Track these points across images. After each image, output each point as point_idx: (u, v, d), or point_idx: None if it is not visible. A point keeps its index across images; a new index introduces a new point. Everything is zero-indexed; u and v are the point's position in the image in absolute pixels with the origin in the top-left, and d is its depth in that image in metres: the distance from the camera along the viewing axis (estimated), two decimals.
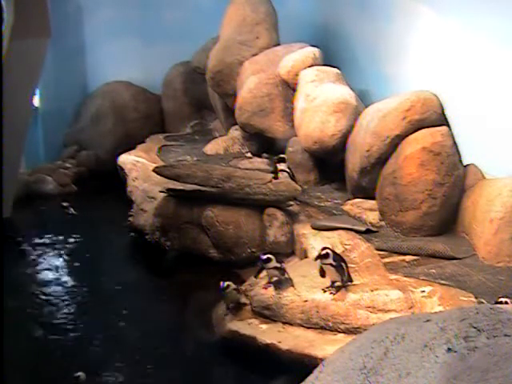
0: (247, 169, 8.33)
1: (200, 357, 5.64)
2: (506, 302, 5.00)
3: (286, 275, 5.85)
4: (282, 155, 7.99)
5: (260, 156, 9.17)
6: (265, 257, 5.85)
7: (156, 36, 10.94)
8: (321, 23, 10.61)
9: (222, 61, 9.38)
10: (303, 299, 5.58)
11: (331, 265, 5.52)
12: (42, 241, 8.07)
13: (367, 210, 7.19)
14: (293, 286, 5.74)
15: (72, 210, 7.57)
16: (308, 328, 5.50)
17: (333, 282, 5.60)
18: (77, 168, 10.36)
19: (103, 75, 10.98)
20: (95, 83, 11.08)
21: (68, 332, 5.99)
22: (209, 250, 7.22)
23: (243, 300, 5.94)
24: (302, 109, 8.19)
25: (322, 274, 5.61)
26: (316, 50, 8.71)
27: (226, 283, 5.84)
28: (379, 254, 6.35)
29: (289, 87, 8.71)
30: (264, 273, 5.92)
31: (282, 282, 5.78)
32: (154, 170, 7.69)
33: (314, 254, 6.51)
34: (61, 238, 8.18)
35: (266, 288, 5.80)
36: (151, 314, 6.43)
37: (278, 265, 5.84)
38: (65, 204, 7.78)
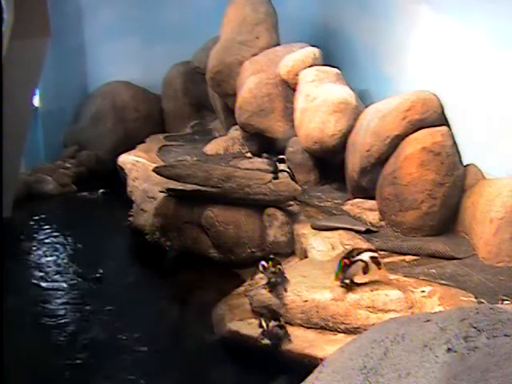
0: (247, 169, 8.32)
1: (200, 357, 5.63)
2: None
3: (283, 277, 5.86)
4: (282, 156, 7.99)
5: (260, 156, 9.16)
6: (265, 264, 5.84)
7: (156, 36, 10.95)
8: (321, 23, 10.61)
9: (221, 61, 9.39)
10: (303, 299, 5.57)
11: (361, 260, 5.51)
12: (41, 241, 8.09)
13: (367, 210, 7.19)
14: (285, 289, 5.72)
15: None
16: (308, 328, 5.49)
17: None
18: (77, 168, 10.37)
19: (103, 75, 10.99)
20: (95, 83, 11.09)
21: (62, 333, 5.99)
22: (209, 249, 7.23)
23: (285, 335, 5.43)
24: (302, 109, 8.19)
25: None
26: (316, 50, 8.71)
27: (269, 324, 5.38)
28: (379, 254, 6.34)
29: (289, 87, 8.70)
30: (261, 274, 5.93)
31: (278, 284, 5.78)
32: (153, 170, 7.69)
33: (314, 253, 6.54)
34: (60, 238, 8.20)
35: (266, 288, 5.80)
36: (151, 314, 6.43)
37: (273, 269, 5.83)
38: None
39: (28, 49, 7.50)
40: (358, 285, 5.55)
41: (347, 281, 5.53)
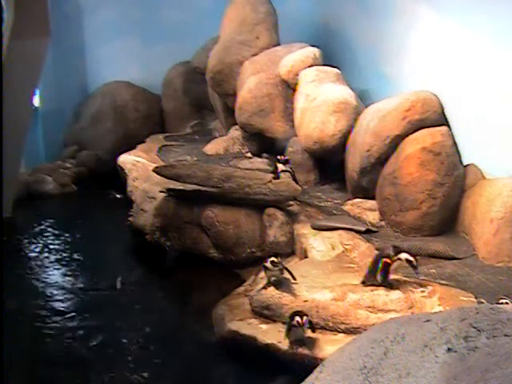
0: (247, 169, 8.33)
1: (200, 357, 5.63)
2: (507, 303, 5.01)
3: (284, 274, 5.84)
4: (281, 156, 7.97)
5: (260, 156, 9.16)
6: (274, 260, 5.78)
7: (156, 36, 10.96)
8: (321, 23, 10.61)
9: (222, 61, 9.39)
10: (303, 299, 5.57)
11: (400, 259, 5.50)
12: (41, 241, 8.09)
13: (367, 210, 7.19)
14: (293, 284, 5.72)
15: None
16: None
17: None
18: (77, 168, 10.37)
19: (103, 75, 11.00)
20: (95, 83, 11.09)
21: (64, 333, 5.99)
22: (209, 250, 7.22)
23: (307, 335, 5.30)
24: (302, 109, 8.19)
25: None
26: (316, 50, 8.71)
27: (304, 318, 5.17)
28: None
29: (289, 87, 8.71)
30: (263, 273, 5.91)
31: (282, 282, 5.78)
32: (153, 170, 7.69)
33: (314, 253, 6.54)
34: (60, 237, 8.20)
35: (266, 288, 5.79)
36: (151, 314, 6.43)
37: (281, 266, 5.83)
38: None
39: (28, 49, 7.51)
40: (391, 284, 5.52)
41: (379, 279, 5.51)
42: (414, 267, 5.48)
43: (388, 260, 5.47)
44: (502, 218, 6.14)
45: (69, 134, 11.01)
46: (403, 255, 5.48)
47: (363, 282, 5.63)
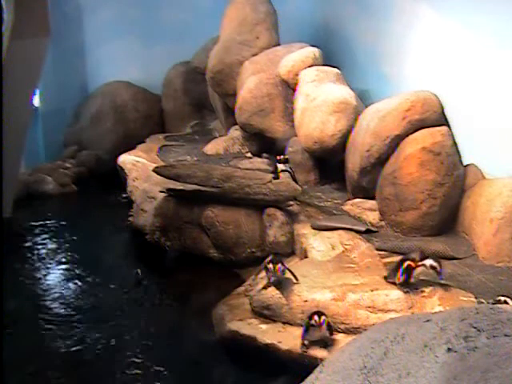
0: (247, 169, 8.33)
1: (200, 357, 5.63)
2: (506, 302, 5.01)
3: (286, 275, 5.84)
4: (282, 156, 7.99)
5: (260, 156, 9.16)
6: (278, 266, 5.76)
7: (156, 36, 10.96)
8: (321, 23, 10.62)
9: (222, 61, 9.39)
10: (303, 299, 5.57)
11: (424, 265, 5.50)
12: (42, 241, 8.09)
13: (367, 210, 7.19)
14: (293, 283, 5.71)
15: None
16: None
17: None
18: (77, 168, 10.37)
19: (103, 75, 11.00)
20: (95, 83, 11.10)
21: (64, 332, 6.00)
22: (209, 250, 7.22)
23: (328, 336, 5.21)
24: (302, 109, 8.19)
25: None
26: (316, 50, 8.72)
27: (322, 318, 5.11)
28: (379, 254, 6.34)
29: (289, 87, 8.71)
30: (263, 273, 5.91)
31: (282, 282, 5.77)
32: (153, 170, 7.69)
33: (314, 253, 6.53)
34: (60, 238, 8.20)
35: (266, 288, 5.79)
36: (151, 314, 6.43)
37: (282, 267, 5.82)
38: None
39: (28, 49, 7.50)
40: (413, 286, 5.51)
41: (400, 280, 5.50)
42: (438, 273, 5.48)
43: (412, 264, 5.48)
44: (502, 217, 6.14)
45: (69, 134, 11.01)
46: (428, 262, 5.48)
47: (385, 278, 5.66)
